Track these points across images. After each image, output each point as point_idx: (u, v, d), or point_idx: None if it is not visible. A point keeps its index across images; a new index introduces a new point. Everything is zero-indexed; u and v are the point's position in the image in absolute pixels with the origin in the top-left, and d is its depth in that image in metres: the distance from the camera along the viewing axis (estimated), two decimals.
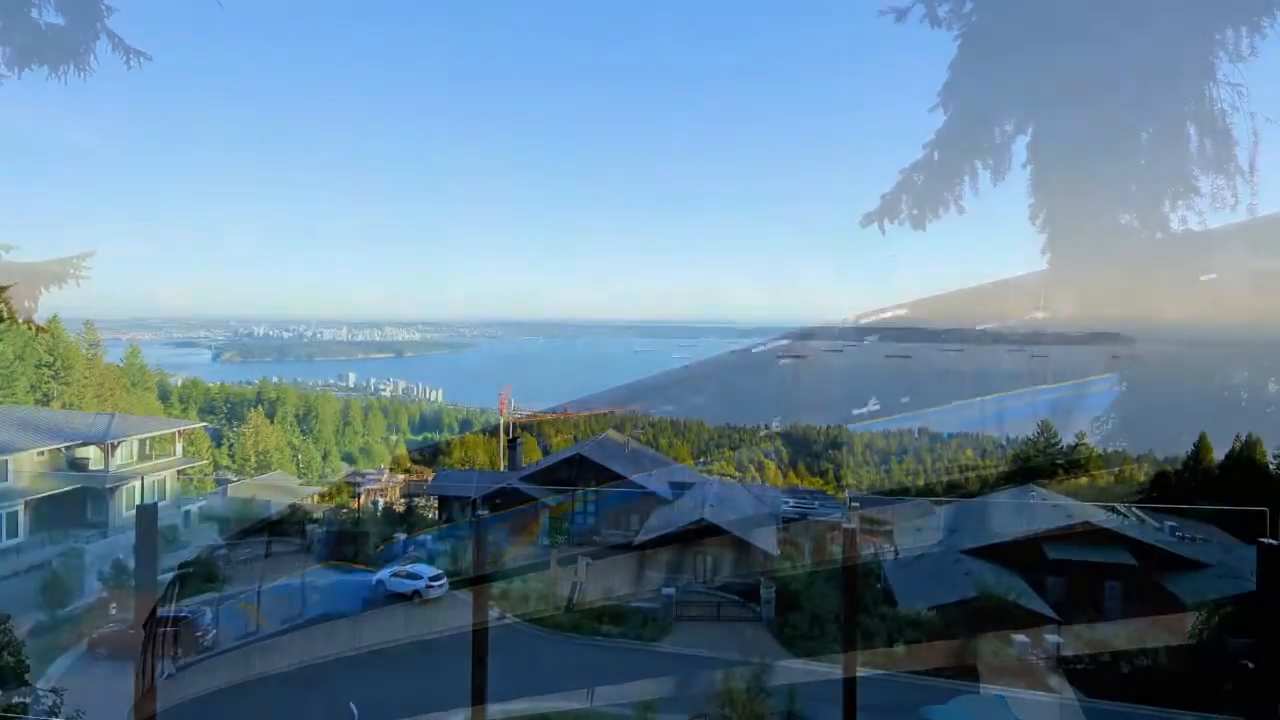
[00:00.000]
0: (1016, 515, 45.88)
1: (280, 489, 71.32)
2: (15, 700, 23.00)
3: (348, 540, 45.26)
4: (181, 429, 51.21)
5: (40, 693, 22.49)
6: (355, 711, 25.57)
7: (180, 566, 40.08)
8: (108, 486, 42.14)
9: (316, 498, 74.22)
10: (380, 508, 56.92)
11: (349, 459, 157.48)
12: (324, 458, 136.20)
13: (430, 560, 42.79)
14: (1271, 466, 63.01)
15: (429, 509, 60.37)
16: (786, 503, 64.98)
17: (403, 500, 66.21)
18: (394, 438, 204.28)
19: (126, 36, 7.57)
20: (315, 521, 50.48)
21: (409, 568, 38.94)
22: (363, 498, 67.70)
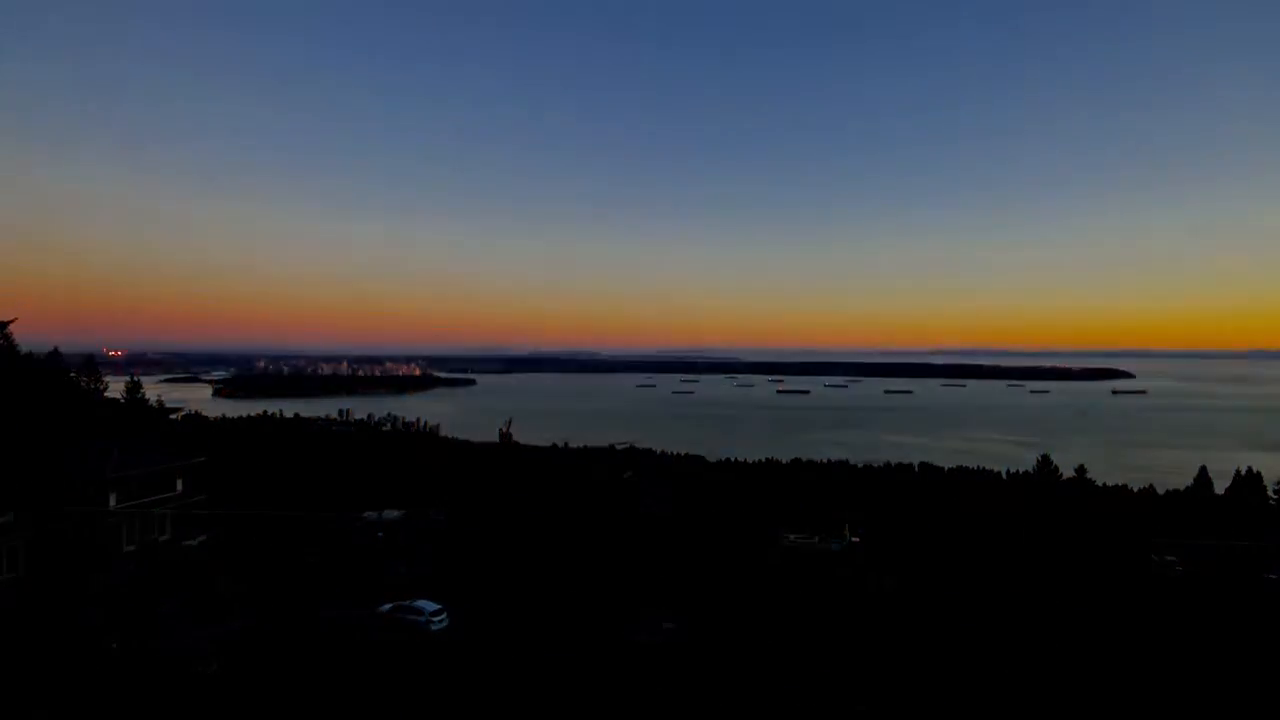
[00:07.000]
0: (1015, 549, 45.85)
1: (281, 523, 70.91)
2: None
3: (350, 574, 45.11)
4: (181, 464, 51.31)
5: None
6: None
7: (181, 598, 39.91)
8: (109, 522, 42.26)
9: (317, 531, 73.75)
10: (381, 541, 56.69)
11: (351, 493, 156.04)
12: (326, 492, 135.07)
13: (432, 594, 42.58)
14: (1272, 500, 63.07)
15: (430, 541, 60.05)
16: (788, 537, 64.73)
17: (403, 534, 65.87)
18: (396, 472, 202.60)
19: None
20: (317, 555, 50.35)
21: (411, 602, 38.80)
22: (364, 532, 67.35)
